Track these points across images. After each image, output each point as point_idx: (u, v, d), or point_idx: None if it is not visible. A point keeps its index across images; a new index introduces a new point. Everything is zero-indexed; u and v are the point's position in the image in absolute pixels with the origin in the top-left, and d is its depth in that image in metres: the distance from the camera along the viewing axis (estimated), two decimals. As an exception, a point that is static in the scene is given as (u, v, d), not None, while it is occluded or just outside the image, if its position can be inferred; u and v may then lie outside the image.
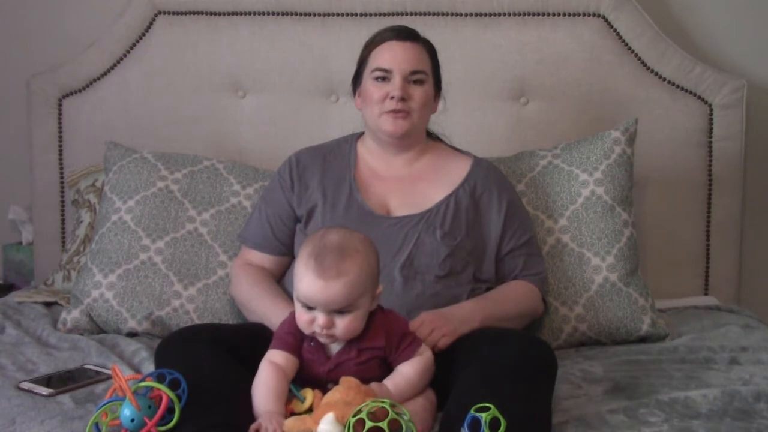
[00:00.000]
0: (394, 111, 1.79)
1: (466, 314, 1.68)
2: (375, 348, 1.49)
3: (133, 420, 1.37)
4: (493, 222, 1.84)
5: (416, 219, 1.80)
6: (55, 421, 1.49)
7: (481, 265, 1.82)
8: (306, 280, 1.44)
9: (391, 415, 1.32)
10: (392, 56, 1.79)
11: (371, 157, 1.89)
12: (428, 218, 1.80)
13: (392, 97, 1.78)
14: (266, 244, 1.88)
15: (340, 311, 1.45)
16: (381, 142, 1.87)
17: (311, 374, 1.50)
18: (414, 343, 1.51)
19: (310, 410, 1.45)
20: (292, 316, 1.52)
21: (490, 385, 1.41)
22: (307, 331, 1.48)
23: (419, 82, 1.80)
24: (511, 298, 1.80)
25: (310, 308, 1.46)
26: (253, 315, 1.80)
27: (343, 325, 1.45)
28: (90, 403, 1.58)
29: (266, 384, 1.46)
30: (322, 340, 1.49)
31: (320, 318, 1.45)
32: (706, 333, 1.96)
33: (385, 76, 1.79)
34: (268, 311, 1.74)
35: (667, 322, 2.01)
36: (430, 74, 1.83)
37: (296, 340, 1.51)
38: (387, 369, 1.52)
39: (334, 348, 1.50)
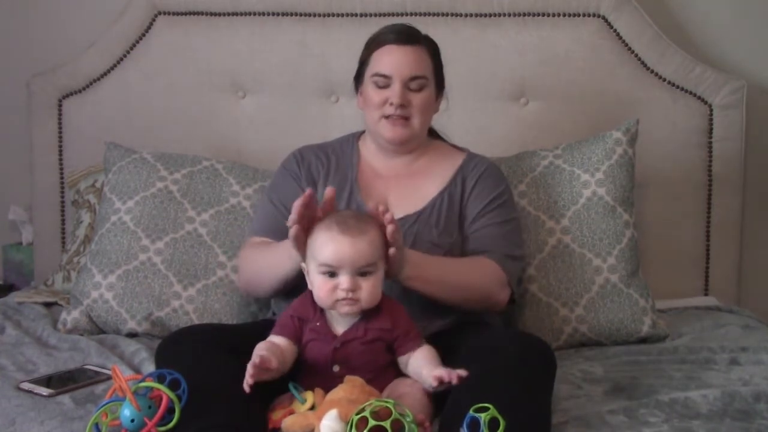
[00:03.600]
0: (393, 117, 1.78)
1: (416, 260, 1.64)
2: (382, 329, 1.52)
3: (133, 420, 1.37)
4: (474, 203, 1.81)
5: (413, 219, 1.80)
6: (55, 422, 1.49)
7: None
8: (332, 243, 1.49)
9: (395, 415, 1.32)
10: (391, 61, 1.78)
11: (372, 157, 1.89)
12: (423, 217, 1.80)
13: (391, 104, 1.78)
14: (279, 231, 1.77)
15: (364, 273, 1.49)
16: (380, 145, 1.86)
17: (317, 356, 1.51)
18: (418, 335, 1.55)
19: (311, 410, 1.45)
20: (296, 301, 1.56)
21: (489, 385, 1.41)
22: (329, 301, 1.50)
23: (419, 88, 1.79)
24: (466, 269, 1.73)
25: (332, 275, 1.49)
26: (272, 269, 1.71)
27: (367, 287, 1.49)
28: (90, 403, 1.58)
29: (264, 345, 1.48)
30: (343, 310, 1.50)
31: (345, 281, 1.48)
32: (706, 333, 1.97)
33: (384, 83, 1.78)
34: (282, 249, 1.64)
35: (668, 322, 2.01)
36: (431, 77, 1.81)
37: (297, 325, 1.53)
38: (391, 357, 1.53)
39: (341, 327, 1.52)
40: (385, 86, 1.78)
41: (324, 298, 1.50)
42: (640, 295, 1.96)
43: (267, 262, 1.75)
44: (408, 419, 1.34)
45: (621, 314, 1.93)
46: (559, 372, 1.55)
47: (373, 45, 1.82)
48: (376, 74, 1.79)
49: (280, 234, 1.73)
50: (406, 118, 1.79)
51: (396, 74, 1.77)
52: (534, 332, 1.87)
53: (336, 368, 1.51)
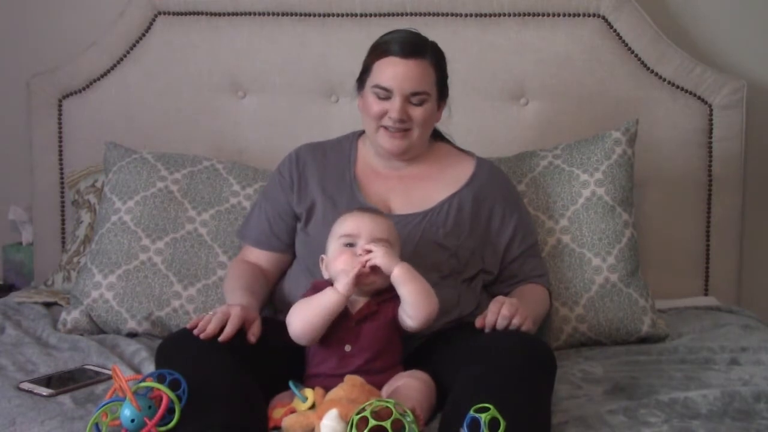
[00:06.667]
0: (392, 130, 1.78)
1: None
2: (395, 297, 1.59)
3: (133, 420, 1.37)
4: (501, 226, 1.84)
5: (419, 218, 1.80)
6: (55, 422, 1.49)
7: (484, 265, 1.82)
8: (351, 218, 1.64)
9: (395, 415, 1.33)
10: (394, 75, 1.75)
11: (371, 158, 1.89)
12: (431, 217, 1.80)
13: (390, 117, 1.77)
14: (265, 241, 1.88)
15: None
16: (378, 152, 1.86)
17: (331, 334, 1.57)
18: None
19: (311, 410, 1.46)
20: (316, 282, 1.64)
21: (489, 385, 1.41)
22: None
23: (420, 102, 1.77)
24: (536, 301, 1.81)
25: (350, 246, 1.61)
26: None
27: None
28: (90, 403, 1.58)
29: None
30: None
31: (362, 244, 1.59)
32: (706, 333, 1.97)
33: (385, 95, 1.77)
34: (230, 302, 1.72)
35: (667, 322, 2.01)
36: (433, 91, 1.79)
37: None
38: (399, 334, 1.61)
39: (355, 307, 1.60)
40: (386, 98, 1.77)
41: (340, 265, 1.58)
42: (640, 295, 1.96)
43: (227, 300, 1.79)
44: (408, 419, 1.34)
45: (621, 314, 1.94)
46: (559, 372, 1.55)
47: (376, 53, 1.79)
48: (377, 86, 1.77)
49: (267, 244, 1.87)
50: (405, 130, 1.79)
51: (397, 89, 1.75)
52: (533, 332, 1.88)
53: (348, 348, 1.56)
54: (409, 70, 1.75)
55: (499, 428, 1.31)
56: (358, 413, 1.34)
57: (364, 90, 1.82)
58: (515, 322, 1.58)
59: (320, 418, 1.38)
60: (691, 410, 1.52)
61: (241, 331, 1.64)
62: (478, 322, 1.61)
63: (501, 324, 1.58)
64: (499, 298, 1.65)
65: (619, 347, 1.91)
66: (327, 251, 1.65)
